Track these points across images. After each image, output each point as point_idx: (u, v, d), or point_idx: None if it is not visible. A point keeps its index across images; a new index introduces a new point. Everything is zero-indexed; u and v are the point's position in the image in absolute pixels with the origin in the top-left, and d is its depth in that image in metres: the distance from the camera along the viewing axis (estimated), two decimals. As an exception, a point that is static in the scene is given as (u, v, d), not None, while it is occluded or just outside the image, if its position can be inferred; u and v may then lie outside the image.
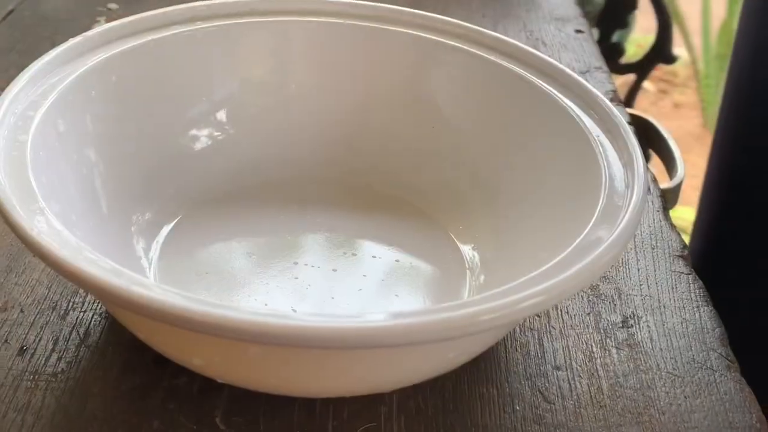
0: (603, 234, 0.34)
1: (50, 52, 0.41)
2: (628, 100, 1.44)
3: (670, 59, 1.36)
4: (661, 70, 2.36)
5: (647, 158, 0.67)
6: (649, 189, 0.54)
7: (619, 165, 0.39)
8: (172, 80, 0.45)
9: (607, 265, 0.33)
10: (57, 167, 0.38)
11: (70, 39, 0.42)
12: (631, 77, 1.35)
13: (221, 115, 0.47)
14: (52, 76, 0.40)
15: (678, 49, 1.37)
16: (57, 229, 0.31)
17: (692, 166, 1.75)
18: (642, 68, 1.39)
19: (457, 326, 0.29)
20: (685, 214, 1.47)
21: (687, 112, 2.30)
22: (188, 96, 0.46)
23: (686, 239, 0.64)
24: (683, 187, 0.61)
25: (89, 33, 0.43)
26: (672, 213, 0.54)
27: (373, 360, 0.33)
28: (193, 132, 0.46)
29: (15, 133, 0.36)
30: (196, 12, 0.46)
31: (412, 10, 0.47)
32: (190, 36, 0.45)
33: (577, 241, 0.33)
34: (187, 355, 0.34)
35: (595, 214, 0.36)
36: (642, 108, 2.21)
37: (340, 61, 0.47)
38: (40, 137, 0.37)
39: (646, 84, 2.29)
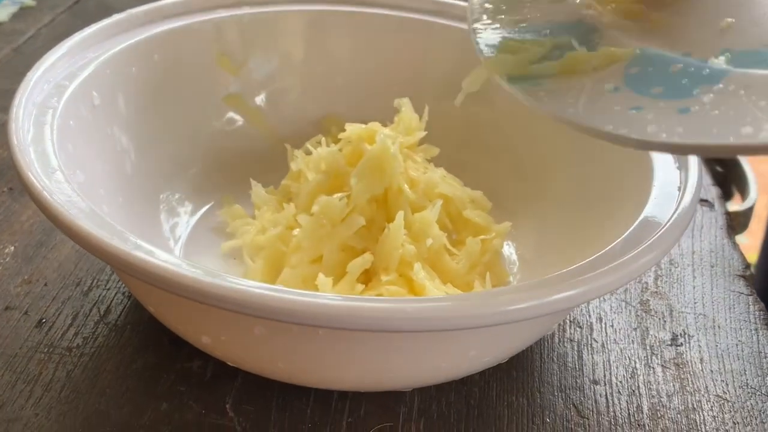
0: (642, 239, 0.31)
1: (91, 26, 0.41)
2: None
3: None
4: None
5: (723, 178, 0.63)
6: (712, 205, 0.50)
7: (673, 168, 0.36)
8: (213, 62, 0.44)
9: (634, 273, 0.30)
10: (87, 139, 0.37)
11: (114, 15, 0.42)
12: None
13: (260, 99, 0.46)
14: (92, 51, 0.40)
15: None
16: (64, 189, 0.30)
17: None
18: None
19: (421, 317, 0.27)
20: None
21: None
22: (227, 78, 0.45)
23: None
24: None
25: (134, 10, 0.43)
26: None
27: (385, 350, 0.31)
28: (230, 115, 0.45)
29: (47, 100, 0.36)
30: (244, -2, 0.45)
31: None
32: (236, 20, 0.45)
33: (610, 246, 0.31)
34: (193, 332, 0.33)
35: (639, 218, 0.33)
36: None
37: (382, 49, 0.46)
38: (72, 107, 0.37)
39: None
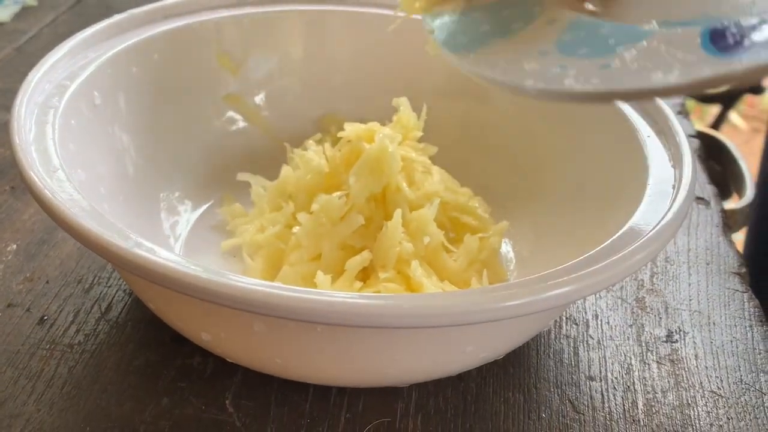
0: (637, 237, 0.31)
1: (93, 26, 0.41)
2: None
3: (758, 89, 1.29)
4: (755, 108, 2.27)
5: (721, 176, 0.63)
6: (708, 203, 0.51)
7: (668, 166, 0.37)
8: (213, 62, 0.45)
9: (629, 270, 0.30)
10: (88, 138, 0.38)
11: (115, 15, 0.43)
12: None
13: (259, 98, 0.46)
14: (93, 50, 0.40)
15: (770, 82, 1.30)
16: (65, 187, 0.31)
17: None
18: (728, 98, 1.33)
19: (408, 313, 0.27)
20: None
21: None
22: (227, 78, 0.45)
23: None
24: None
25: (134, 10, 0.43)
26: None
27: (383, 346, 0.31)
28: (230, 114, 0.45)
29: (49, 100, 0.36)
30: (244, -1, 0.46)
31: None
32: (236, 20, 0.45)
33: (605, 243, 0.31)
34: (193, 329, 0.33)
35: (634, 216, 0.33)
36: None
37: (381, 49, 0.46)
38: (73, 106, 0.37)
39: (739, 122, 2.21)
